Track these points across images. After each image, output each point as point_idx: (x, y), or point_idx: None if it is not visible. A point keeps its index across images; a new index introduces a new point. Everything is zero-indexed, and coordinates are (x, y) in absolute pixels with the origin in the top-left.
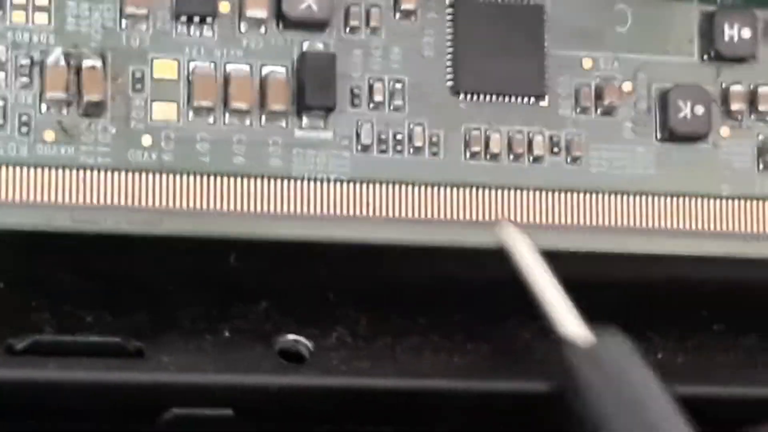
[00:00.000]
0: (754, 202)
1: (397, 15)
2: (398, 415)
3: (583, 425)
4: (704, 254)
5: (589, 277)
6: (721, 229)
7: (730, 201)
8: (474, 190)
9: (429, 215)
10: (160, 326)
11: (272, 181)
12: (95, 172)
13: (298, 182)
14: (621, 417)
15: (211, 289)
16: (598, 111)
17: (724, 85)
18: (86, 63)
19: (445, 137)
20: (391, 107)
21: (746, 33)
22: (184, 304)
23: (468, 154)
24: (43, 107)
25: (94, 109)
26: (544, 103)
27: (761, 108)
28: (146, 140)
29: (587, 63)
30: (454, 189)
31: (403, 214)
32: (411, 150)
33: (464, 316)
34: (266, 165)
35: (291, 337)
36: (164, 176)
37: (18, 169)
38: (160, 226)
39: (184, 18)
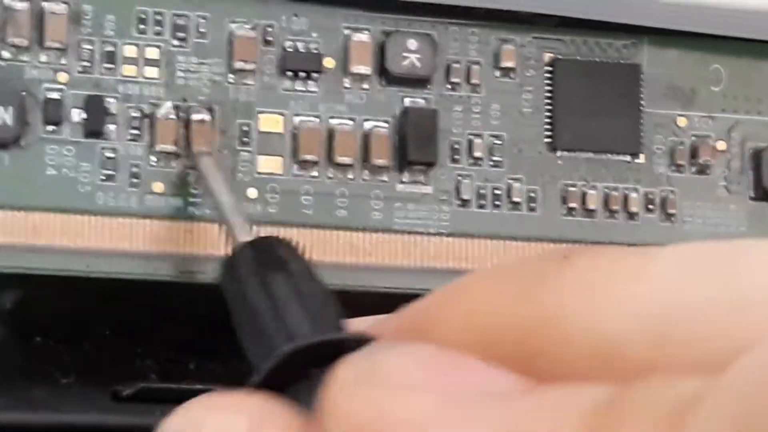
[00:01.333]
0: None
1: (497, 72)
2: None
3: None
4: None
5: None
6: None
7: None
8: (570, 245)
9: None
10: None
11: (373, 234)
12: (202, 224)
13: (399, 236)
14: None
15: None
16: (693, 169)
17: None
18: (195, 116)
19: (543, 193)
20: (490, 163)
21: None
22: None
23: (564, 210)
24: (153, 159)
25: None
26: (639, 161)
27: None
28: (252, 192)
29: (682, 121)
30: (551, 244)
31: None
32: (509, 205)
33: None
34: (368, 218)
35: None
36: (269, 228)
37: (128, 219)
38: None
39: (290, 73)
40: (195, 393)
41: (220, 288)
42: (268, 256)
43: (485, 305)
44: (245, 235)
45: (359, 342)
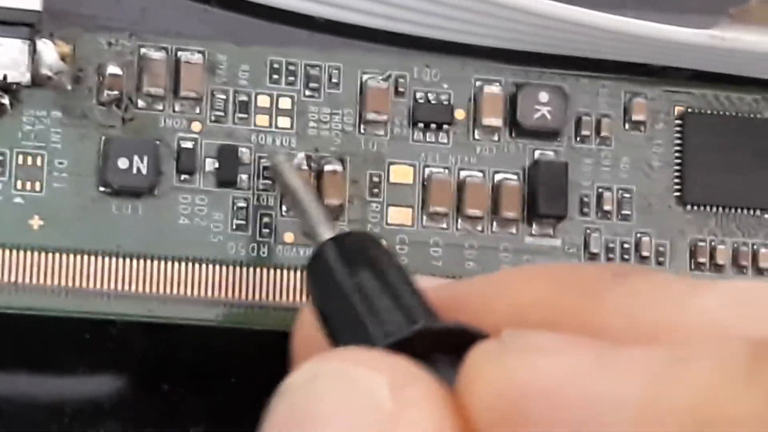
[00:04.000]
0: None
1: (627, 125)
2: None
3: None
4: None
5: None
6: None
7: None
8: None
9: None
10: None
11: None
12: None
13: None
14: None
15: None
16: None
17: None
18: (327, 167)
19: (671, 247)
20: (619, 216)
21: None
22: None
23: (693, 265)
24: (284, 209)
25: (333, 212)
26: None
27: None
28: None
29: None
30: None
31: None
32: (638, 259)
33: None
34: (498, 270)
35: None
36: None
37: (259, 269)
38: None
39: (421, 125)
40: None
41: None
42: (354, 251)
43: (532, 302)
44: (328, 232)
45: (483, 335)
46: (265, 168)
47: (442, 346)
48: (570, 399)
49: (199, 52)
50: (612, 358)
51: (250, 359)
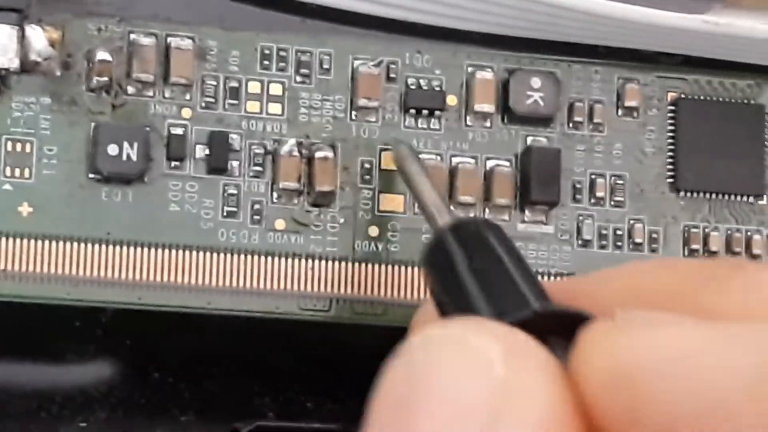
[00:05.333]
0: None
1: (620, 111)
2: None
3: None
4: None
5: None
6: None
7: None
8: None
9: None
10: None
11: None
12: (323, 261)
13: None
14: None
15: None
16: None
17: None
18: (318, 153)
19: (664, 234)
20: (612, 203)
21: None
22: None
23: (686, 251)
24: (275, 196)
25: (324, 199)
26: (763, 202)
27: None
28: (373, 230)
29: None
30: None
31: None
32: (630, 246)
33: None
34: None
35: None
36: (389, 267)
37: (249, 256)
38: (383, 317)
39: (412, 111)
40: None
41: (423, 271)
42: (471, 238)
43: (651, 288)
44: (446, 219)
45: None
46: (257, 155)
47: (556, 329)
48: (684, 369)
49: (189, 37)
50: (725, 330)
51: (239, 346)
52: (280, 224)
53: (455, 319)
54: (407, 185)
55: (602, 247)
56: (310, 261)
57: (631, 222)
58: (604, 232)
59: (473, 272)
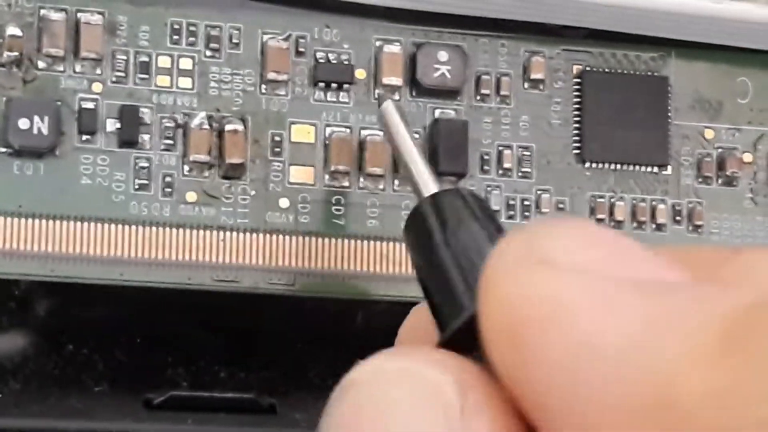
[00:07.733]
0: None
1: (526, 84)
2: None
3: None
4: None
5: None
6: None
7: None
8: None
9: None
10: (292, 383)
11: (400, 244)
12: (234, 233)
13: None
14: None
15: (341, 346)
16: (719, 181)
17: None
18: (228, 126)
19: (571, 204)
20: (519, 174)
21: None
22: (315, 361)
23: (593, 221)
24: (186, 169)
25: (235, 172)
26: (667, 172)
27: None
28: (283, 202)
29: (709, 133)
30: None
31: None
32: (537, 216)
33: None
34: (398, 228)
35: None
36: (300, 238)
37: (161, 229)
38: (294, 287)
39: (321, 84)
40: (225, 401)
41: (405, 242)
42: (453, 211)
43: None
44: (430, 188)
45: None
46: (167, 128)
47: None
48: (560, 334)
49: (98, 13)
50: (617, 297)
51: (151, 318)
52: (191, 197)
53: (401, 349)
54: (391, 146)
55: (510, 217)
56: (221, 233)
57: (538, 192)
58: (511, 202)
59: (448, 246)
